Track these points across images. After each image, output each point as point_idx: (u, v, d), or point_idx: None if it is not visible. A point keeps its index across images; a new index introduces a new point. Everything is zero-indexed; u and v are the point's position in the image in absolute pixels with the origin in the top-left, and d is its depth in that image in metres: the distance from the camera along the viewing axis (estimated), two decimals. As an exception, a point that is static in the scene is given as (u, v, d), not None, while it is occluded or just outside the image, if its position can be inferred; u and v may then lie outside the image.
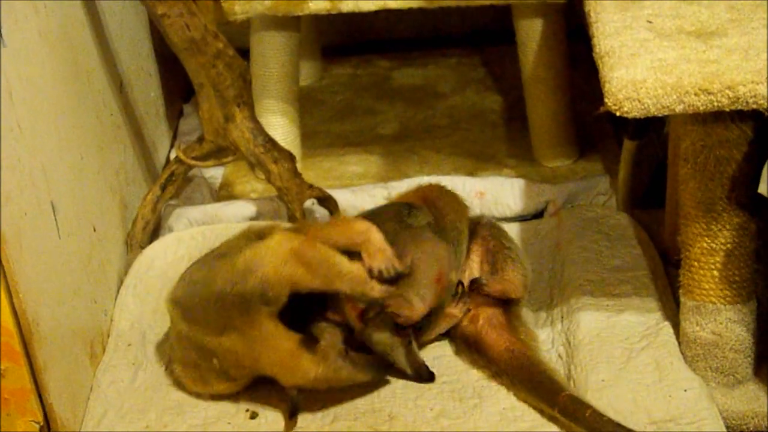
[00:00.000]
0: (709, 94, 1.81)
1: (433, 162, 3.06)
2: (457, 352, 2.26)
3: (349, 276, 2.06)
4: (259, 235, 2.16)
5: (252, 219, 2.75)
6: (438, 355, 2.26)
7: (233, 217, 2.76)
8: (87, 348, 2.26)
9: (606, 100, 1.86)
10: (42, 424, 2.03)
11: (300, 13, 2.72)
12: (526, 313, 2.35)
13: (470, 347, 2.24)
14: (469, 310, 2.25)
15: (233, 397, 2.18)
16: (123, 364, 2.29)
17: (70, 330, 2.18)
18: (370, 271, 2.08)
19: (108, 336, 2.38)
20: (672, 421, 2.02)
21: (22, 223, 1.98)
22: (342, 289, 2.07)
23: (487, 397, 2.15)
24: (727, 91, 1.81)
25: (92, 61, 2.55)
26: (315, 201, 2.74)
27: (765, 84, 1.79)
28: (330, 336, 2.09)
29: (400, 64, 3.64)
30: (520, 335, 2.22)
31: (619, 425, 1.97)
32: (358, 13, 2.72)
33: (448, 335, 2.29)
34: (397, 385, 2.18)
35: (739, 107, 1.82)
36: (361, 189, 2.83)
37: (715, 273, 2.07)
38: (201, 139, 2.66)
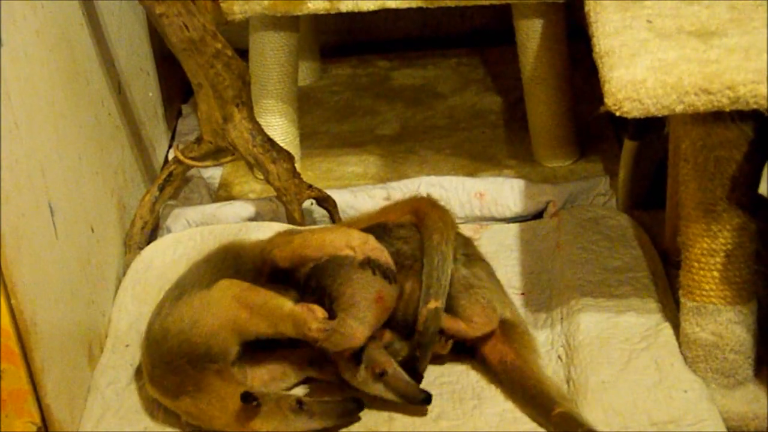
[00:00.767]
0: (709, 94, 1.81)
1: (432, 162, 3.05)
2: (457, 354, 2.26)
3: (291, 317, 2.06)
4: (216, 265, 2.18)
5: (250, 219, 2.74)
6: (437, 356, 2.25)
7: (232, 217, 2.76)
8: (85, 349, 2.26)
9: (606, 100, 1.85)
10: (39, 425, 2.02)
11: (299, 13, 2.72)
12: (526, 315, 2.35)
13: (468, 353, 2.23)
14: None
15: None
16: (121, 365, 2.29)
17: (68, 331, 2.18)
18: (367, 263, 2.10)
19: (106, 337, 2.38)
20: (672, 422, 2.02)
21: (20, 223, 1.98)
22: (286, 332, 2.08)
23: (486, 399, 2.15)
24: (727, 91, 1.80)
25: (90, 61, 2.55)
26: (314, 201, 2.74)
27: (765, 84, 1.79)
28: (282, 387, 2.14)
29: (400, 65, 3.64)
30: (514, 345, 2.19)
31: None
32: (358, 12, 2.71)
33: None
34: (396, 385, 2.18)
35: (740, 107, 1.82)
36: (361, 189, 2.83)
37: (716, 274, 2.07)
38: (199, 140, 2.66)
